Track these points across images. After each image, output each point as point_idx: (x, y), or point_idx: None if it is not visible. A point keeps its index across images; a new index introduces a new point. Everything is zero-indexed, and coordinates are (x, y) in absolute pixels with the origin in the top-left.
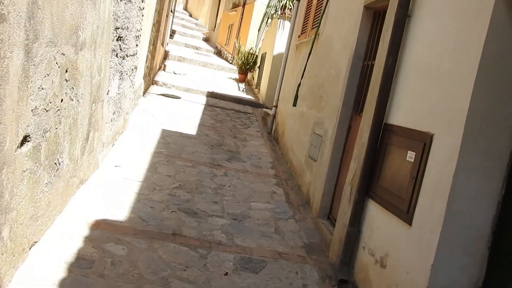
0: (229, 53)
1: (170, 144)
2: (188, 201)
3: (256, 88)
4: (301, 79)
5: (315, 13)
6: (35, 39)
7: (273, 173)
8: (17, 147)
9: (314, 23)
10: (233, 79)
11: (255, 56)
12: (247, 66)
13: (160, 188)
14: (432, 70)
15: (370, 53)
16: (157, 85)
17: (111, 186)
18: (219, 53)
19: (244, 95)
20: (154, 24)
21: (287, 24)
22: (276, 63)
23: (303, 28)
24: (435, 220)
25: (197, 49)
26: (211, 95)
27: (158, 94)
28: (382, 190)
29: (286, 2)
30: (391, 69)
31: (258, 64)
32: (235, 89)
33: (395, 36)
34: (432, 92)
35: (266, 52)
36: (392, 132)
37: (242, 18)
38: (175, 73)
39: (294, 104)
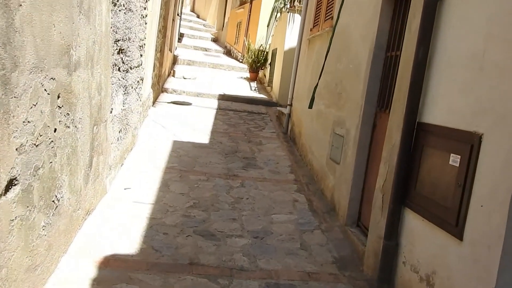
0: (238, 51)
1: (182, 157)
2: (204, 221)
3: (268, 86)
4: (319, 78)
5: (328, 4)
6: (14, 67)
7: (293, 178)
8: (1, 194)
9: (327, 15)
10: (244, 78)
11: (265, 53)
12: (258, 64)
13: (173, 209)
14: (476, 61)
15: (394, 43)
16: (167, 92)
17: (120, 213)
18: (228, 53)
19: (256, 95)
20: (159, 31)
21: (298, 18)
22: (288, 59)
23: (315, 20)
24: (494, 235)
25: (206, 50)
26: (223, 97)
27: (168, 102)
28: (421, 199)
29: None
30: (423, 61)
31: (269, 61)
32: (246, 89)
33: (425, 23)
34: (478, 86)
35: (276, 48)
36: (428, 132)
37: (250, 15)
38: (184, 78)
39: (310, 106)
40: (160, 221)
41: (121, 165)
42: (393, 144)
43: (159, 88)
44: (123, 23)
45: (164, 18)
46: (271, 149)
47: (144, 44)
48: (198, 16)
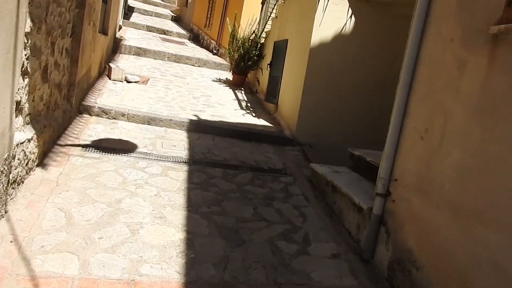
0: (212, 39)
1: None
2: None
3: (268, 100)
4: None
5: None
6: None
7: None
8: None
9: None
10: (224, 82)
11: (258, 45)
12: (248, 62)
13: None
14: None
15: None
16: (89, 114)
17: None
18: (196, 39)
19: (253, 120)
20: None
21: None
22: (320, 60)
23: None
24: None
25: (164, 33)
26: (196, 128)
27: (84, 148)
28: None
29: None
30: None
31: (270, 59)
32: (233, 105)
33: None
34: None
35: (287, 40)
36: None
37: None
38: (128, 81)
39: None
40: None
41: None
42: None
43: (69, 110)
44: None
45: None
46: None
47: None
48: None
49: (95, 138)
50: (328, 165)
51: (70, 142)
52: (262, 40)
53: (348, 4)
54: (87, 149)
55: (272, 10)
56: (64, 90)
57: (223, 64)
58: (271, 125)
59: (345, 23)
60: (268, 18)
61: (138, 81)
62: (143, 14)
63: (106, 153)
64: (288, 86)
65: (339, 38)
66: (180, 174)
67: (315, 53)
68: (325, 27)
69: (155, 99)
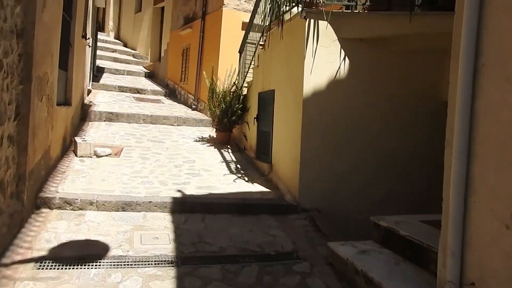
0: (189, 93)
1: None
2: None
3: (259, 158)
4: None
5: None
6: None
7: None
8: None
9: None
10: (207, 141)
11: (242, 97)
12: (232, 117)
13: None
14: None
15: None
16: (49, 208)
17: None
18: (172, 94)
19: (245, 185)
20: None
21: (328, 31)
22: (317, 110)
23: None
24: None
25: (138, 92)
26: (181, 207)
27: (36, 264)
28: None
29: None
30: None
31: (256, 112)
32: (219, 168)
33: None
34: None
35: (274, 90)
36: None
37: (203, 37)
38: (98, 156)
39: None
40: None
41: None
42: None
43: (20, 210)
44: None
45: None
46: None
47: None
48: (125, 45)
49: (54, 244)
50: (350, 243)
51: (19, 258)
52: (245, 91)
53: (339, 46)
54: (42, 264)
55: (252, 59)
56: (10, 187)
57: (204, 119)
58: (268, 190)
59: (339, 66)
60: (249, 67)
61: (110, 154)
62: (114, 73)
63: (68, 267)
64: (282, 142)
65: (335, 83)
66: (166, 284)
67: (310, 103)
68: (317, 73)
69: (131, 175)
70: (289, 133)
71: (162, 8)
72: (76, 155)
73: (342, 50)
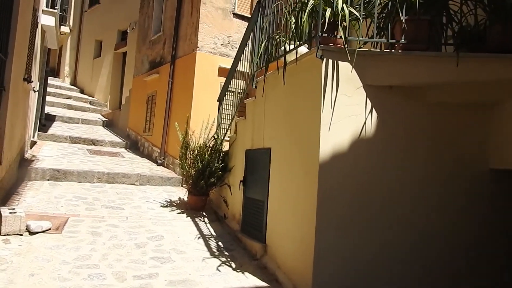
0: (154, 146)
1: None
2: None
3: (246, 233)
4: None
5: None
6: None
7: None
8: None
9: None
10: (178, 205)
11: (221, 154)
12: (211, 178)
13: None
14: None
15: None
16: None
17: None
18: (134, 146)
19: (233, 276)
20: None
21: (352, 75)
22: (338, 176)
23: None
24: None
25: (93, 144)
26: None
27: None
28: None
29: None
30: None
31: (242, 174)
32: (196, 248)
33: None
34: None
35: (270, 149)
36: None
37: (172, 83)
38: (31, 233)
39: None
40: None
41: None
42: None
43: None
44: None
45: None
46: None
47: None
48: (82, 91)
49: None
50: None
51: None
52: (226, 146)
53: (365, 94)
54: None
55: (236, 109)
56: None
57: (172, 177)
58: (266, 284)
59: (365, 122)
60: (232, 119)
61: (48, 229)
62: (67, 122)
63: None
64: (283, 217)
65: (359, 143)
66: None
67: (329, 168)
68: (337, 129)
69: (74, 265)
70: (295, 206)
71: (124, 53)
72: (1, 233)
73: (368, 100)
